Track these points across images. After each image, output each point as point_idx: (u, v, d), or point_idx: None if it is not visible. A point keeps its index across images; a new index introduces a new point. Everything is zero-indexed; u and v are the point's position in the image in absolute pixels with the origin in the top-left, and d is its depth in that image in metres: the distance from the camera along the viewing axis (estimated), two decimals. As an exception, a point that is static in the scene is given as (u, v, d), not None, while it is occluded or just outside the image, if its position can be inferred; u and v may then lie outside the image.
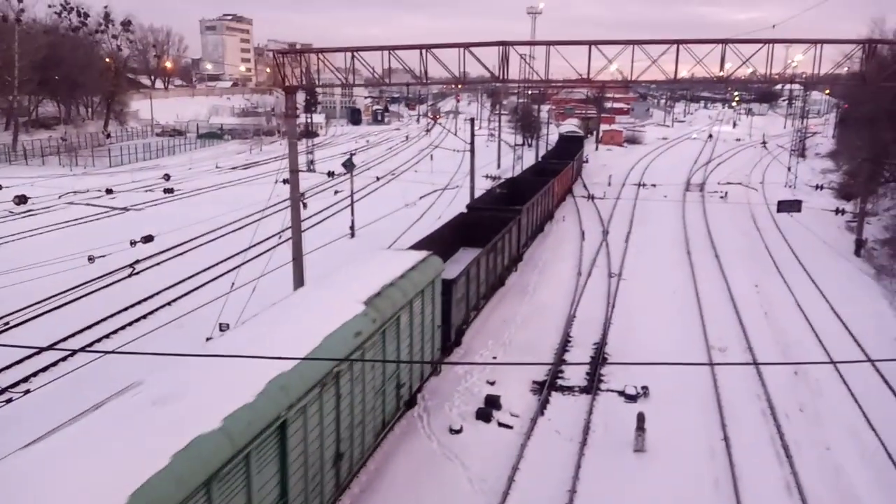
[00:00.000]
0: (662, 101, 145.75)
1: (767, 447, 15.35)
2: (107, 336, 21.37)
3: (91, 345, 20.57)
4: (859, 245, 32.33)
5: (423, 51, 18.96)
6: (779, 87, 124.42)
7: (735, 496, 13.44)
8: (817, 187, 46.14)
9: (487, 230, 25.52)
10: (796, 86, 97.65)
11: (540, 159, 54.97)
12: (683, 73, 20.52)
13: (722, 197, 48.01)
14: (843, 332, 22.20)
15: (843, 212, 37.42)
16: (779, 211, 35.98)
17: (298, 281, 20.05)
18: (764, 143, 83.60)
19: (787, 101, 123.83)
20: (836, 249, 32.99)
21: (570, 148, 56.78)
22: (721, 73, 18.99)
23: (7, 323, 21.90)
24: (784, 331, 22.45)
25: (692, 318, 23.48)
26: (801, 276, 28.77)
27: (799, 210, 35.60)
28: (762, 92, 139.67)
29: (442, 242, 24.42)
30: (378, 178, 51.13)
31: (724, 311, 24.26)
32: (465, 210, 30.26)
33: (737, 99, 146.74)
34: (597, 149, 77.65)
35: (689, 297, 25.85)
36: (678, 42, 18.28)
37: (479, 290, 22.33)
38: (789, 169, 54.47)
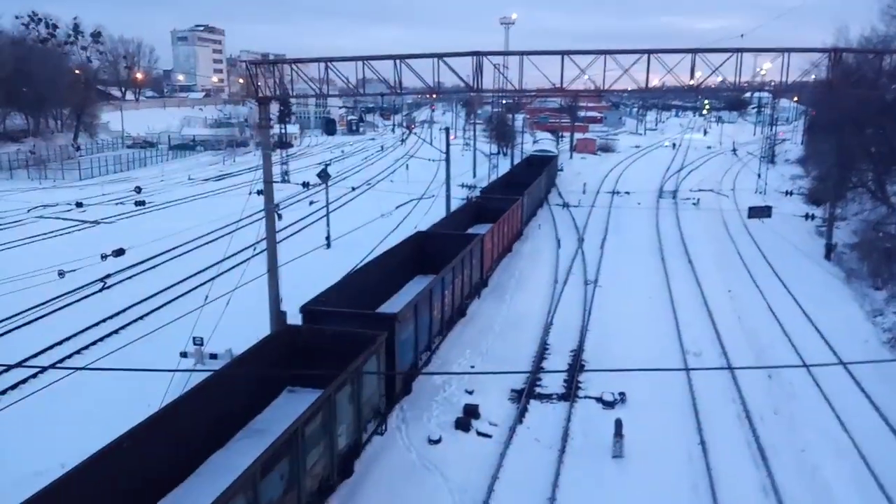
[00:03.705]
0: (635, 110, 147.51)
1: (744, 450, 15.51)
2: (78, 352, 20.96)
3: (62, 361, 20.17)
4: (829, 249, 32.93)
5: (398, 61, 18.96)
6: (748, 95, 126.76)
7: (713, 500, 13.54)
8: (787, 193, 46.97)
9: (444, 254, 22.66)
10: (765, 93, 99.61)
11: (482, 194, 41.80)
12: (655, 81, 20.75)
13: (694, 203, 48.63)
14: (815, 336, 22.55)
15: (813, 217, 38.07)
16: (749, 217, 36.55)
17: (274, 293, 19.85)
18: (734, 150, 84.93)
19: (756, 109, 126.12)
20: (806, 254, 33.56)
21: (537, 169, 49.45)
22: (692, 82, 19.26)
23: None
24: (757, 335, 22.74)
25: (667, 324, 23.70)
26: (773, 280, 29.19)
27: (769, 216, 36.19)
28: (732, 100, 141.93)
29: (395, 268, 23.39)
30: (353, 189, 50.97)
31: (698, 317, 24.52)
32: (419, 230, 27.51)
33: (707, 107, 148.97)
34: (571, 157, 78.30)
35: (663, 302, 26.10)
36: (649, 52, 18.51)
37: (430, 327, 19.54)
38: (759, 175, 55.38)
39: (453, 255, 22.14)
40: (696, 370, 19.23)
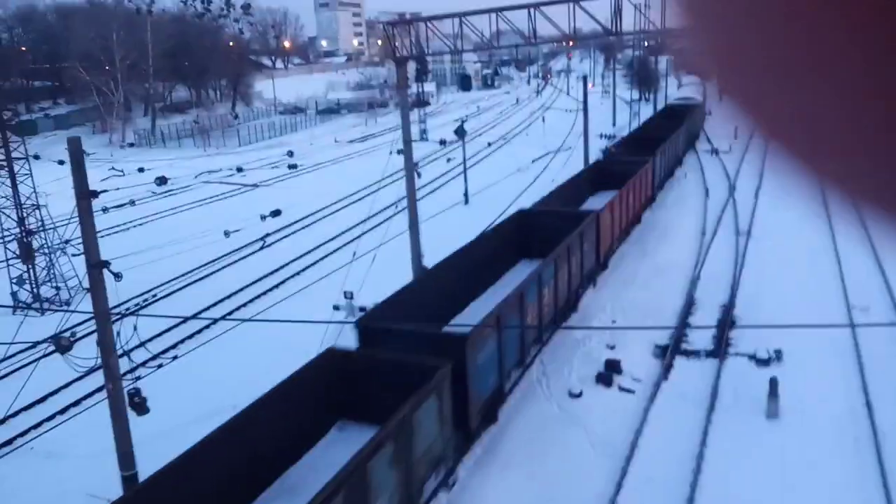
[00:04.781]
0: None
1: (917, 414, 14.20)
2: (244, 305, 22.89)
3: (230, 313, 22.10)
4: None
5: (532, 9, 18.55)
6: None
7: (879, 464, 12.57)
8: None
9: (552, 234, 19.30)
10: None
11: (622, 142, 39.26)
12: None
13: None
14: None
15: None
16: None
17: (415, 249, 20.50)
18: None
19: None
20: None
21: (675, 122, 42.10)
22: None
23: (155, 295, 23.90)
24: (938, 288, 20.51)
25: (831, 276, 21.93)
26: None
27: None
28: None
29: (493, 252, 19.91)
30: (489, 144, 50.97)
31: (866, 267, 22.44)
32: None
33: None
34: (720, 99, 73.06)
35: (826, 253, 24.12)
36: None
37: (523, 338, 15.85)
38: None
39: (562, 235, 18.49)
40: (862, 326, 17.71)
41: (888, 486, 11.91)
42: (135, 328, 11.36)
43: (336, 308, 19.13)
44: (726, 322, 18.90)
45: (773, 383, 14.45)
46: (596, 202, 26.08)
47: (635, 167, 27.91)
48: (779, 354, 16.74)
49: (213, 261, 26.96)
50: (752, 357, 16.87)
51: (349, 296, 19.29)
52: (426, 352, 12.44)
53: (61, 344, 13.22)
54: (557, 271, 17.70)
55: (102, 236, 11.84)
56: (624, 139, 39.80)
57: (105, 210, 32.98)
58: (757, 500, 11.88)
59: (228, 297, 23.53)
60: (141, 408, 12.30)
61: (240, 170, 49.50)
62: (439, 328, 14.74)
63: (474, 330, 13.09)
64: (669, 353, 17.30)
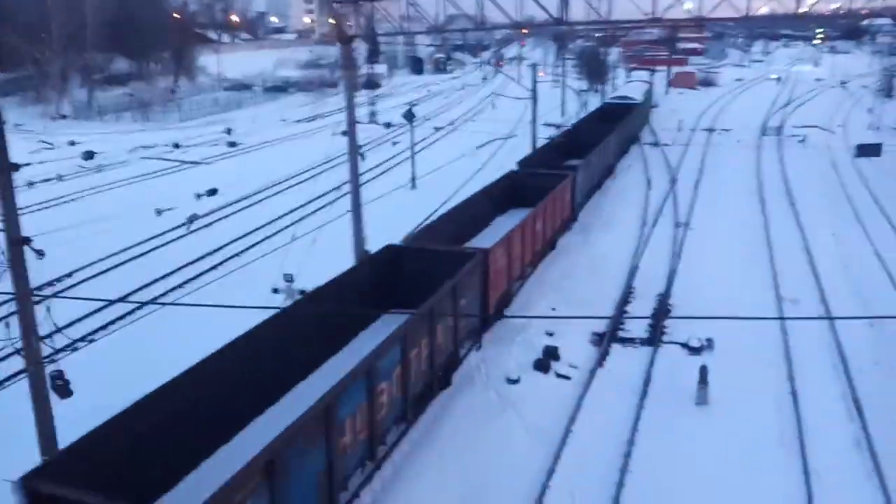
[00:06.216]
0: (740, 40, 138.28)
1: (837, 402, 14.80)
2: (179, 286, 22.17)
3: (163, 296, 21.42)
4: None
5: (480, -5, 18.43)
6: (866, 22, 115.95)
7: (801, 451, 13.06)
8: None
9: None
10: (886, 20, 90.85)
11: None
12: (763, 9, 19.23)
13: (800, 141, 45.60)
14: (928, 284, 21.00)
15: (934, 156, 35.06)
16: (857, 156, 33.97)
17: (358, 232, 20.23)
18: (843, 82, 78.67)
19: (872, 38, 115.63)
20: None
21: (608, 125, 37.13)
22: (802, 10, 17.74)
23: (71, 276, 22.86)
24: (861, 282, 21.38)
25: (763, 269, 22.62)
26: (882, 224, 27.23)
27: (878, 154, 33.53)
28: (848, 28, 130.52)
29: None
30: (437, 129, 50.75)
31: (797, 262, 23.26)
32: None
33: (820, 36, 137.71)
34: (667, 92, 74.64)
35: (760, 247, 24.88)
36: (752, -24, 17.15)
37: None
38: (870, 110, 51.12)
39: (438, 281, 14.62)
40: (792, 319, 18.34)
41: (809, 477, 12.37)
42: (48, 309, 10.83)
43: (275, 291, 18.72)
44: (662, 311, 19.31)
45: (703, 371, 14.84)
46: (505, 223, 22.47)
47: (551, 181, 24.08)
48: (710, 343, 17.20)
49: (146, 241, 26.04)
50: (685, 345, 17.29)
51: (289, 279, 18.91)
52: None
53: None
54: (407, 351, 12.65)
55: (25, 213, 11.22)
56: (547, 145, 34.02)
57: (31, 185, 31.51)
58: (683, 485, 12.19)
59: (163, 277, 22.77)
60: (63, 391, 11.80)
61: (177, 146, 48.00)
62: None
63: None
64: (606, 340, 17.59)
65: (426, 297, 13.82)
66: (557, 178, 24.69)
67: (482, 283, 16.75)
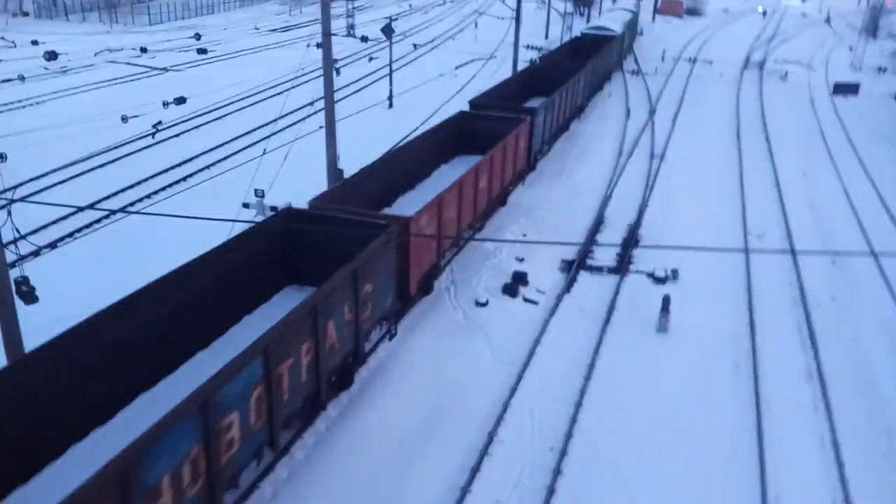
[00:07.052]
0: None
1: (793, 334, 15.32)
2: (147, 196, 21.76)
3: (132, 205, 21.04)
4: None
5: None
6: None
7: (754, 379, 13.58)
8: (880, 70, 43.14)
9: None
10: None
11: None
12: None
13: (782, 77, 45.37)
14: (890, 225, 21.47)
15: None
16: (834, 93, 33.98)
17: (332, 151, 19.88)
18: (827, 19, 77.78)
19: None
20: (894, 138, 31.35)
21: (580, 60, 33.60)
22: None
23: (37, 181, 22.32)
24: (827, 220, 21.81)
25: (733, 204, 22.90)
26: (853, 164, 27.56)
27: (856, 93, 33.55)
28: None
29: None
30: (416, 47, 49.36)
31: (767, 198, 23.57)
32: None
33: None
34: (653, 20, 73.17)
35: (732, 181, 25.09)
36: None
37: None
38: (851, 48, 50.81)
39: (345, 255, 11.95)
40: (755, 252, 18.72)
41: (760, 404, 12.89)
42: (9, 214, 10.57)
43: (246, 206, 18.48)
44: (630, 241, 19.55)
45: (666, 300, 15.17)
46: (449, 174, 19.84)
47: (504, 127, 20.88)
48: (675, 274, 17.54)
49: (112, 148, 25.31)
50: (651, 275, 17.61)
51: (260, 194, 18.64)
52: None
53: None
54: (273, 367, 9.57)
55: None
56: (509, 80, 29.87)
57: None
58: (639, 407, 12.65)
59: (131, 186, 22.29)
60: (29, 297, 11.69)
61: (144, 50, 46.06)
62: None
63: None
64: (574, 267, 17.82)
65: (333, 270, 11.18)
66: (512, 122, 21.41)
67: (401, 260, 13.87)
